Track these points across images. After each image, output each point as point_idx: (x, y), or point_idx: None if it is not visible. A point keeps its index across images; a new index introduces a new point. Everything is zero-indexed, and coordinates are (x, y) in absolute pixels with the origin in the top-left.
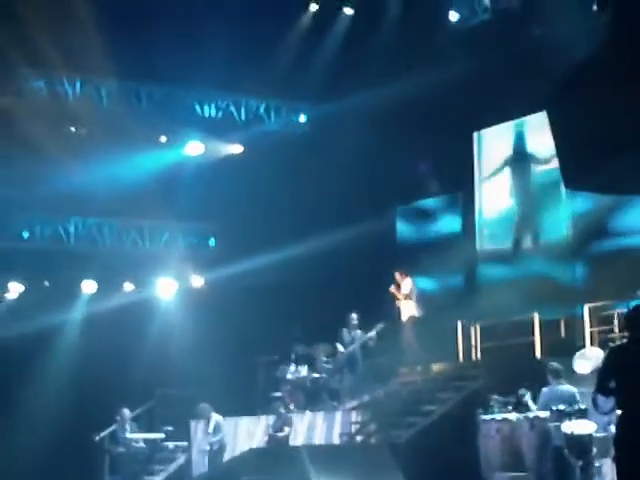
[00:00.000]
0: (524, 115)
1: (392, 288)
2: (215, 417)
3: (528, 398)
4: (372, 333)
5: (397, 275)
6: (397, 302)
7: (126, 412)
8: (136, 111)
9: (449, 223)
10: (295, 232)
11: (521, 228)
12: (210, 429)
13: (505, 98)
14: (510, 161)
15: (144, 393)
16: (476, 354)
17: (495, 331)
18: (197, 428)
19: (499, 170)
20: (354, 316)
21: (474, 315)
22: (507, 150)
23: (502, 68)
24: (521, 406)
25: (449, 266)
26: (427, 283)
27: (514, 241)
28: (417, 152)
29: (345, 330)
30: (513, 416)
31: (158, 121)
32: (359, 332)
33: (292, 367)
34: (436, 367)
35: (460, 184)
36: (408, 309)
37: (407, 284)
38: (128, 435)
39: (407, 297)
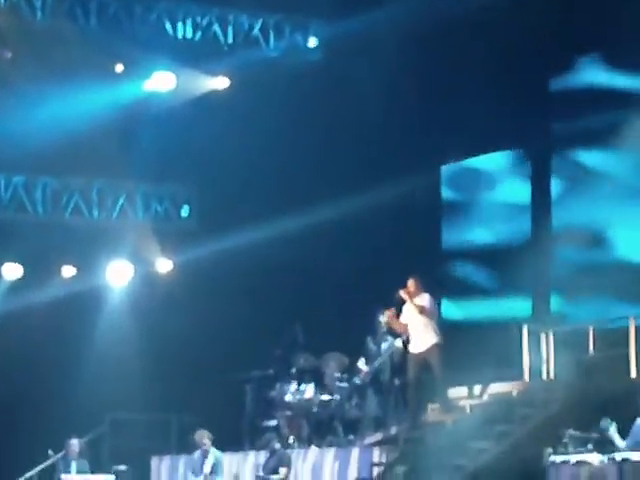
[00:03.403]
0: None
1: (402, 292)
2: (215, 453)
3: (613, 432)
4: (398, 341)
5: (410, 282)
6: (397, 321)
7: (75, 444)
8: (83, 29)
9: (514, 190)
10: (299, 198)
11: None
12: (207, 468)
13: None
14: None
15: (88, 418)
16: (548, 372)
17: (574, 341)
18: (160, 467)
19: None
20: None
21: (546, 319)
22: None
23: None
24: (605, 444)
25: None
26: (480, 272)
27: None
28: (472, 89)
29: (370, 338)
30: (594, 458)
31: (112, 44)
32: (390, 340)
33: (292, 386)
34: (493, 389)
35: (529, 138)
36: (424, 333)
37: (424, 299)
38: (69, 477)
39: (422, 311)
